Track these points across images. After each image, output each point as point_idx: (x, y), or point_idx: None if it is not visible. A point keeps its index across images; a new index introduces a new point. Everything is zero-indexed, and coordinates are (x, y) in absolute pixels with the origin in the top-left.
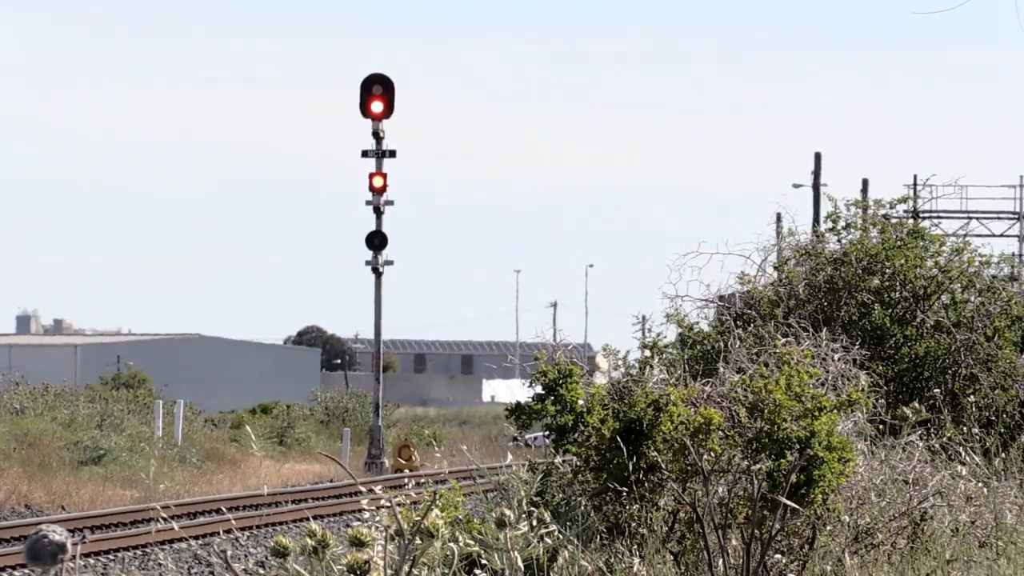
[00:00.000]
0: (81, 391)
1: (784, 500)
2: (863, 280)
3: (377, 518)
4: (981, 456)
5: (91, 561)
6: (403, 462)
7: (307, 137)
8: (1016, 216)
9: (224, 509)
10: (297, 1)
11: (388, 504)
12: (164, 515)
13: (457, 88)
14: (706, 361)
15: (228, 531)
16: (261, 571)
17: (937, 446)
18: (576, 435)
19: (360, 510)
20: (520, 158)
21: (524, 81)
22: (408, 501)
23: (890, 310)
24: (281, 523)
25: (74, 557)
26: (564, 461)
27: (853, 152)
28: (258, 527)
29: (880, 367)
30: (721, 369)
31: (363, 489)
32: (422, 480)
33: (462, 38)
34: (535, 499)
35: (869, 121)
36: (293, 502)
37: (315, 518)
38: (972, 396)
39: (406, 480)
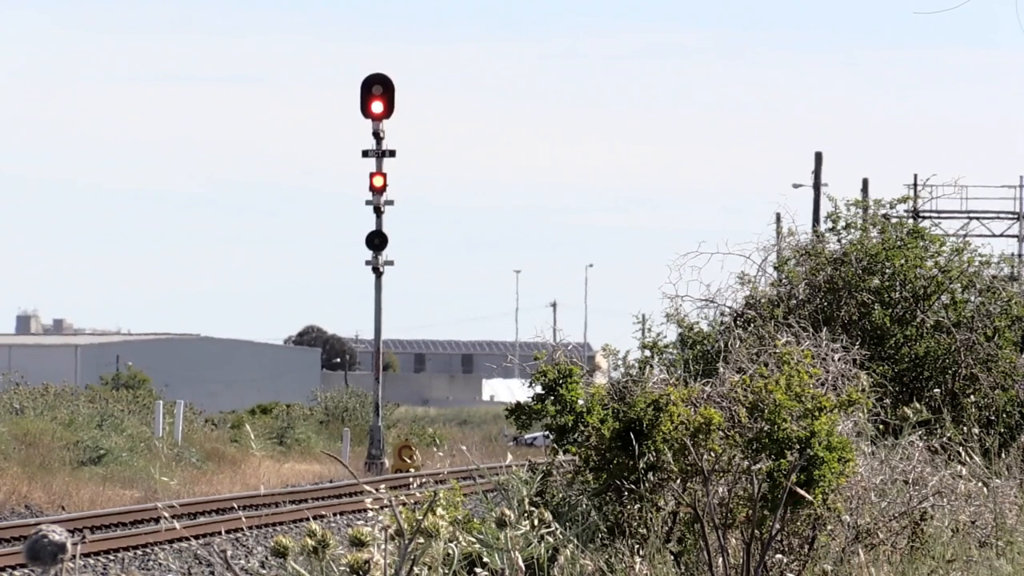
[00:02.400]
0: (81, 391)
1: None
2: (863, 280)
3: (380, 517)
4: (981, 456)
5: (91, 561)
6: (404, 462)
7: (307, 137)
8: (1016, 216)
9: (226, 509)
10: (297, 1)
11: (390, 504)
12: (167, 515)
13: (457, 88)
14: (706, 361)
15: (229, 531)
16: (262, 571)
17: (937, 446)
18: (576, 435)
19: (362, 510)
20: (520, 158)
21: (524, 81)
22: (410, 501)
23: (890, 310)
24: (281, 523)
25: (74, 557)
26: (564, 460)
27: (853, 152)
28: (258, 527)
29: (880, 367)
30: (721, 369)
31: (367, 488)
32: (423, 480)
33: (462, 38)
34: (535, 499)
35: (869, 121)
36: (292, 502)
37: (315, 518)
38: (972, 396)
39: (411, 480)
